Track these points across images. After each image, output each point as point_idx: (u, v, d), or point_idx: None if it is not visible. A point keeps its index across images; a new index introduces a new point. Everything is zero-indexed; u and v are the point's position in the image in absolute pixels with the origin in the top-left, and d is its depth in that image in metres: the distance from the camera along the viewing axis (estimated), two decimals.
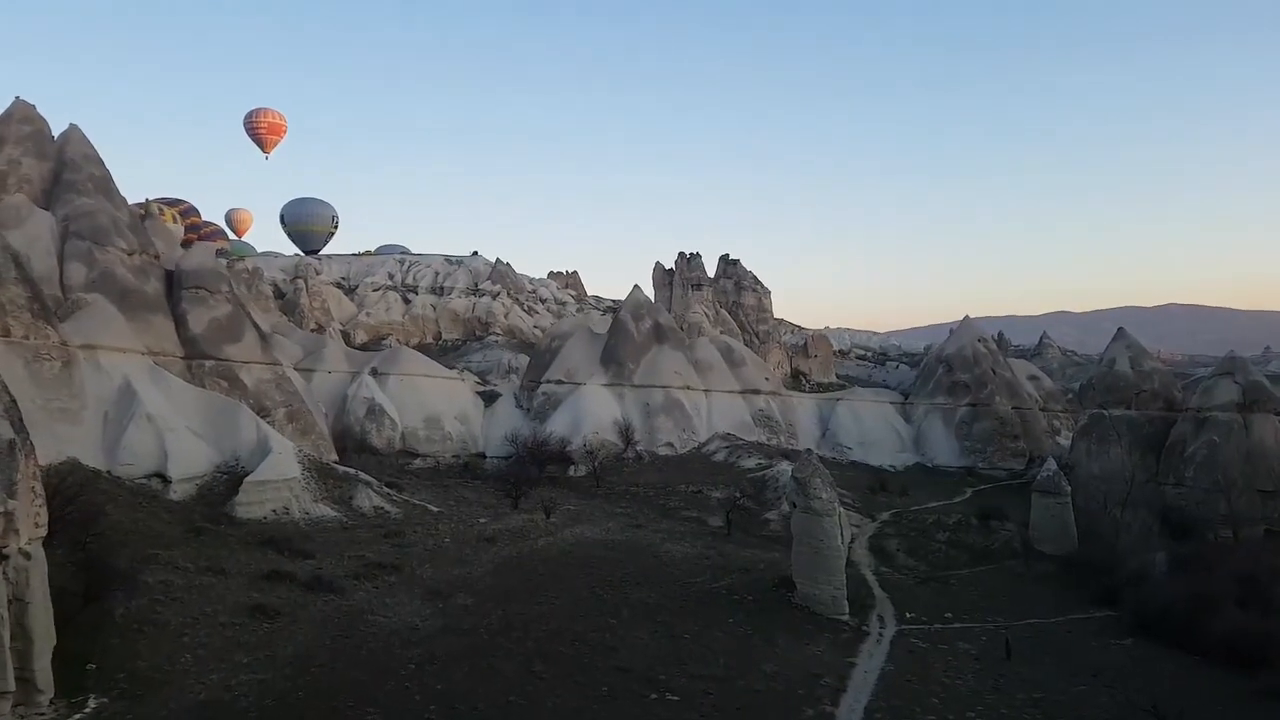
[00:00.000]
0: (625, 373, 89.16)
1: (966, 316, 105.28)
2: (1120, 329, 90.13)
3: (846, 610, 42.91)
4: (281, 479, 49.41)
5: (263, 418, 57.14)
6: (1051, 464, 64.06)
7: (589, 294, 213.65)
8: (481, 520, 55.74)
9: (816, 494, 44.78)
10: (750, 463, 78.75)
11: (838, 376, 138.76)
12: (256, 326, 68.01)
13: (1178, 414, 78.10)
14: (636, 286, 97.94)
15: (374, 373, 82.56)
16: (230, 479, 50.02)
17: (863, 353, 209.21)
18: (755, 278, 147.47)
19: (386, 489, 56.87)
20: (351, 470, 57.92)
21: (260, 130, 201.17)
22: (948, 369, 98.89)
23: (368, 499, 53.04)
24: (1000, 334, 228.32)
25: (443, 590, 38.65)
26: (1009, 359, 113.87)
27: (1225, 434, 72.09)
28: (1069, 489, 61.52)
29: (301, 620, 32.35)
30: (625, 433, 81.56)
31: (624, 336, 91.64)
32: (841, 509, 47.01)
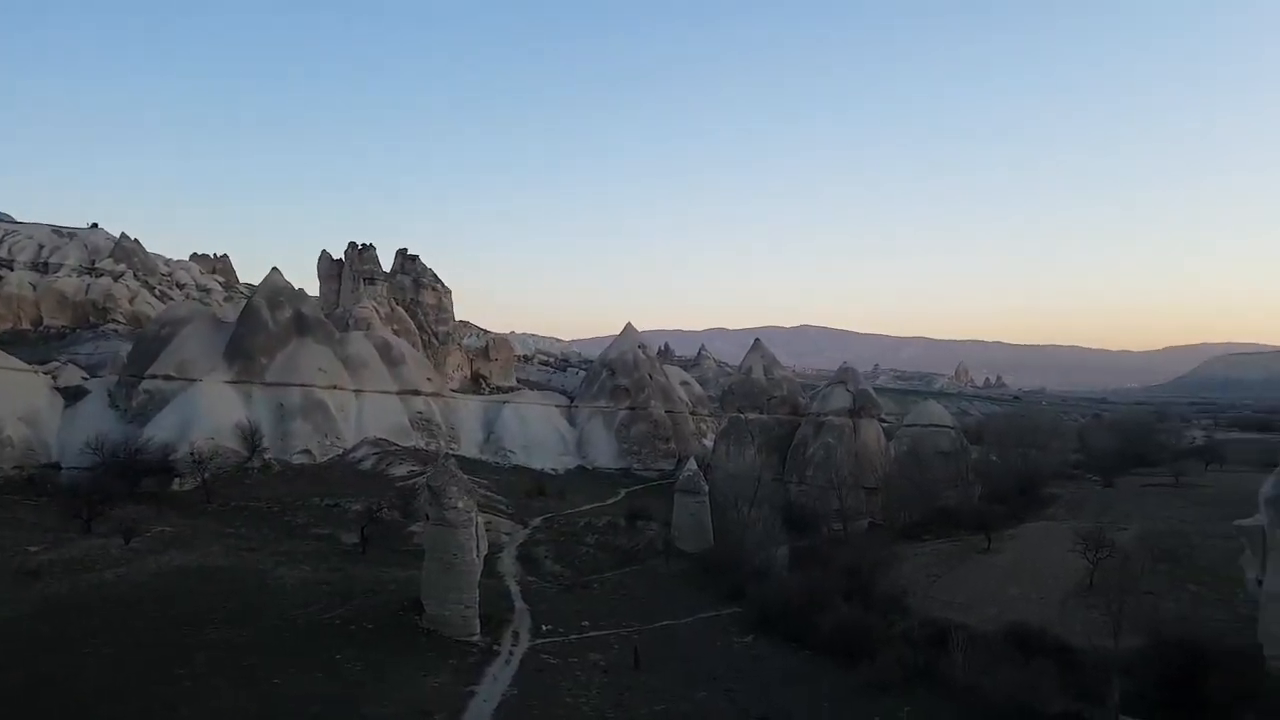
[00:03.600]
0: (255, 368, 78.11)
1: (629, 324, 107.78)
2: (756, 340, 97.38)
3: (478, 630, 39.92)
4: None
5: None
6: (692, 464, 65.91)
7: (242, 281, 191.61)
8: (31, 549, 44.29)
9: (452, 503, 41.46)
10: (401, 470, 72.91)
11: (519, 380, 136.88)
12: None
13: (801, 418, 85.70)
14: (275, 269, 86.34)
15: None
16: None
17: (546, 358, 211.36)
18: (435, 275, 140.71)
19: None
20: None
21: None
22: (610, 373, 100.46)
23: None
24: (666, 345, 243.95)
25: None
26: (665, 366, 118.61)
27: (838, 436, 79.98)
28: (707, 488, 63.53)
29: None
30: (251, 438, 71.07)
31: (256, 326, 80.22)
32: (479, 519, 43.82)
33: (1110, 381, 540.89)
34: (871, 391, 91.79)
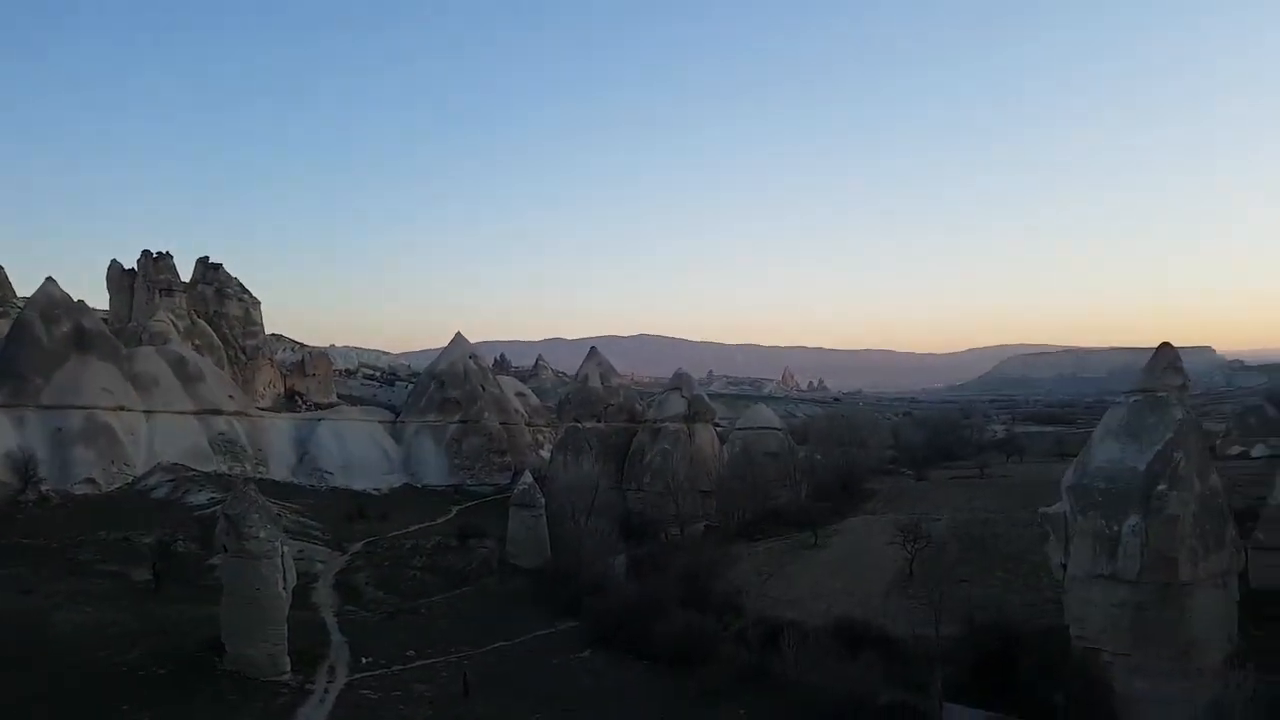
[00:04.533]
0: (28, 390, 68.95)
1: (459, 333, 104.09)
2: (592, 348, 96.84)
3: (288, 668, 36.49)
4: None
5: None
6: (528, 476, 64.01)
7: (19, 295, 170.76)
8: None
9: (253, 533, 37.97)
10: (201, 498, 66.76)
11: (339, 396, 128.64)
12: None
13: (639, 426, 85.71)
14: (50, 280, 76.36)
15: None
16: None
17: (370, 372, 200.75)
18: (242, 285, 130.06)
19: None
20: None
21: None
22: (440, 385, 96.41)
23: None
24: (502, 356, 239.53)
25: None
26: (499, 376, 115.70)
27: (674, 442, 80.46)
28: (544, 501, 61.80)
29: None
30: (24, 468, 62.76)
31: (29, 343, 70.87)
32: (286, 548, 40.20)
33: (920, 382, 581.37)
34: (705, 397, 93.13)
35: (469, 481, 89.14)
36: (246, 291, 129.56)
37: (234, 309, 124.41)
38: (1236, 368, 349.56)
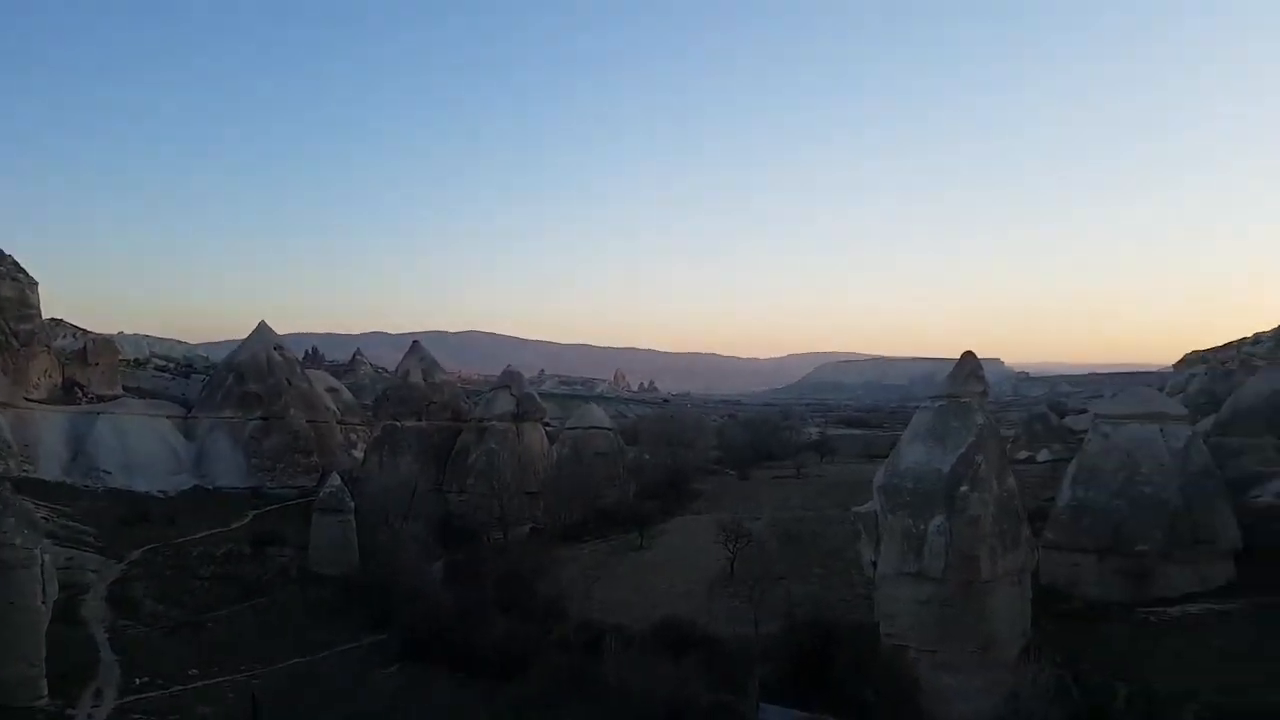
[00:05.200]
0: None
1: (262, 322, 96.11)
2: (415, 343, 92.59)
3: (45, 692, 32.85)
4: None
5: None
6: (335, 479, 59.90)
7: None
8: None
9: (8, 539, 34.33)
10: None
11: (126, 389, 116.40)
12: None
13: (464, 425, 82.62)
14: None
15: None
16: None
17: (163, 363, 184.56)
18: (16, 264, 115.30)
19: None
20: None
21: None
22: (238, 379, 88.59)
23: None
24: (314, 349, 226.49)
25: None
26: (309, 370, 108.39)
27: (501, 441, 78.09)
28: (353, 505, 58.04)
29: None
30: None
31: None
32: (47, 556, 35.58)
33: (743, 385, 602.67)
34: (536, 396, 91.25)
35: (269, 484, 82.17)
36: (22, 271, 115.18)
37: (6, 290, 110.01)
38: (1022, 378, 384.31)
